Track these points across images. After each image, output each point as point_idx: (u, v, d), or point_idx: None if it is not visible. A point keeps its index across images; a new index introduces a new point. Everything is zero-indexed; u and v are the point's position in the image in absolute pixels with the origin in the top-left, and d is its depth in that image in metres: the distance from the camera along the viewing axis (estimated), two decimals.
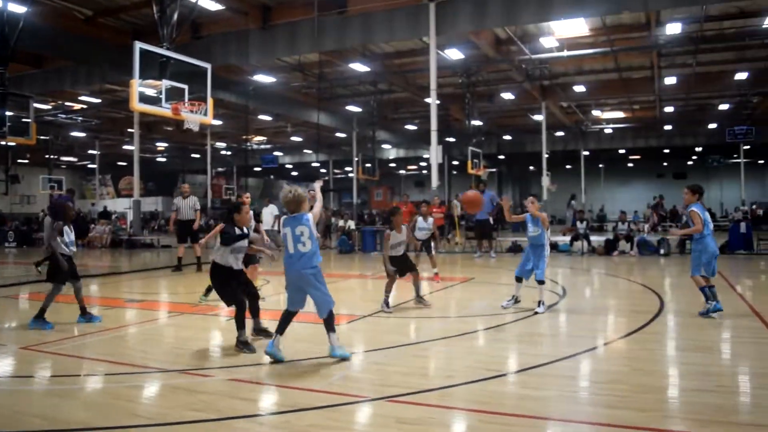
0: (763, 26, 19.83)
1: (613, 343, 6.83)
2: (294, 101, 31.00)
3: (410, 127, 39.32)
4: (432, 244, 12.51)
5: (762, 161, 49.97)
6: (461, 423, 4.43)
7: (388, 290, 8.96)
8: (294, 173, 64.05)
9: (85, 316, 8.29)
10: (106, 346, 6.95)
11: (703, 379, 5.23)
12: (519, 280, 9.06)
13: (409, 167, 60.14)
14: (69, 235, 8.14)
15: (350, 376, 5.58)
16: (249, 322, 6.93)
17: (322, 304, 5.98)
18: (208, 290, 9.41)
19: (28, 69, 24.17)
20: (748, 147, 38.65)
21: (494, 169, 45.64)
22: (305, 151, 50.89)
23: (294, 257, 5.97)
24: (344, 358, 6.00)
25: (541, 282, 8.73)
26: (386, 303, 8.88)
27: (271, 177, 63.25)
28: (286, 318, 6.10)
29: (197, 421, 4.41)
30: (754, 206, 39.41)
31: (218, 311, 9.12)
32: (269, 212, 19.11)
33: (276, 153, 48.17)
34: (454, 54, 22.11)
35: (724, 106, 33.39)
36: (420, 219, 12.40)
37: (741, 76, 25.47)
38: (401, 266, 9.07)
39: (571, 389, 5.07)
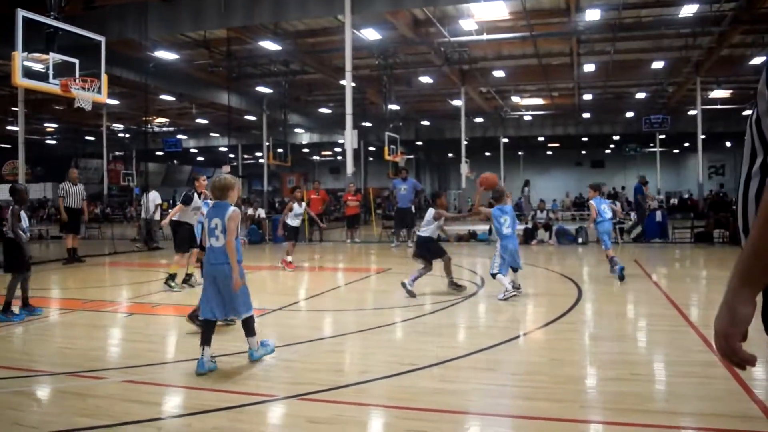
0: (679, 15, 20.81)
1: (531, 334, 7.01)
2: (199, 80, 30.18)
3: (324, 110, 39.11)
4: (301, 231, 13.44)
5: (677, 150, 52.62)
6: (377, 420, 4.42)
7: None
8: (199, 158, 62.52)
9: (27, 308, 8.26)
10: None
11: (620, 368, 5.43)
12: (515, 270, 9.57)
13: (324, 153, 59.88)
14: (25, 220, 8.34)
15: (259, 374, 5.49)
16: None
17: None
18: (171, 277, 10.31)
19: None
20: (663, 136, 40.65)
21: (412, 156, 46.05)
22: (212, 134, 49.79)
23: (209, 251, 5.73)
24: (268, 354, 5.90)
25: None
26: None
27: (175, 162, 61.59)
28: (209, 327, 5.70)
29: (88, 428, 4.21)
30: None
31: (113, 307, 8.79)
32: (151, 200, 18.99)
33: (180, 136, 46.83)
34: (370, 34, 22.08)
35: (641, 95, 34.89)
36: (295, 205, 13.25)
37: (657, 65, 26.64)
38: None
39: (488, 382, 5.16)
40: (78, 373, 5.52)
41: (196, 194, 10.64)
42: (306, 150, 56.40)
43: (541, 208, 20.70)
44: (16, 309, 8.16)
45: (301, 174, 56.04)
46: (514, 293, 8.96)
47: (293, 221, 13.41)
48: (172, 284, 10.37)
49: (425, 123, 44.72)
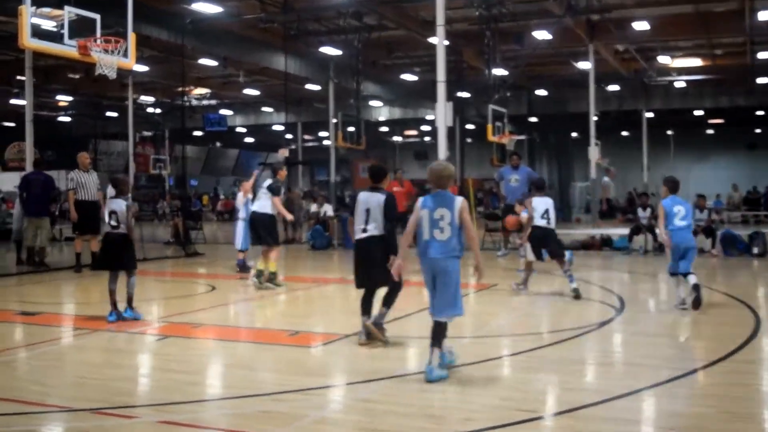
0: None
1: (690, 375, 6.81)
2: (248, 40, 30.75)
3: (408, 77, 39.14)
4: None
5: None
6: None
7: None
8: (248, 139, 63.86)
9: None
10: None
11: None
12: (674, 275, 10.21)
13: (407, 133, 60.04)
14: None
15: (327, 417, 5.53)
16: None
17: (443, 306, 6.65)
18: (260, 273, 12.33)
19: None
20: None
21: (523, 137, 45.55)
22: (264, 109, 50.67)
23: (429, 245, 6.66)
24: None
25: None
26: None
27: (217, 144, 62.99)
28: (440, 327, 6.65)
29: None
30: None
31: (142, 328, 9.04)
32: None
33: (224, 111, 47.84)
34: None
35: None
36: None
37: None
38: None
39: None
40: (102, 410, 5.68)
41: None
42: (384, 129, 56.66)
43: (701, 207, 20.05)
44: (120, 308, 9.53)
45: (378, 160, 56.40)
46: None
47: None
48: (278, 283, 12.76)
49: (541, 93, 44.18)
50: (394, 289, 7.81)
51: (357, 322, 7.93)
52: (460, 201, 6.67)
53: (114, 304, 9.44)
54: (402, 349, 7.88)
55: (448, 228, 6.59)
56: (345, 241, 21.19)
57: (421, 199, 6.83)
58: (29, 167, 24.85)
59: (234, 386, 6.39)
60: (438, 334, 6.57)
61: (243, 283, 13.49)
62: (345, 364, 7.32)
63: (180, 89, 36.83)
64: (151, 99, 45.36)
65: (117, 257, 9.56)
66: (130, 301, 9.58)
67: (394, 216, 7.82)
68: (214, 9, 25.07)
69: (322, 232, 21.70)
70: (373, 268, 7.72)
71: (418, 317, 8.88)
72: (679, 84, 41.84)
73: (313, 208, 23.25)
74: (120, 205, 9.54)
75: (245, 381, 6.50)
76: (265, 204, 12.84)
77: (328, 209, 23.15)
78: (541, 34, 28.74)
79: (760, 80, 40.31)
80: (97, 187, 15.72)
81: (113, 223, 9.46)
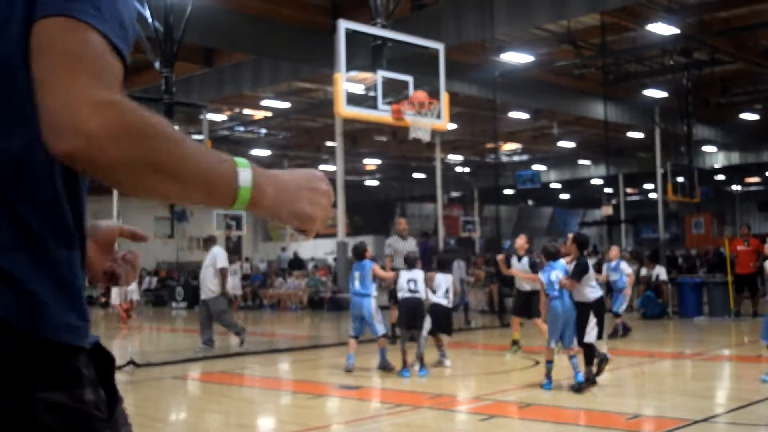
0: None
1: None
2: (562, 89, 31.01)
3: (748, 116, 37.46)
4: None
5: None
6: None
7: None
8: (563, 195, 63.85)
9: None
10: None
11: None
12: None
13: (748, 180, 57.16)
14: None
15: None
16: None
17: None
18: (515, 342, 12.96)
19: (197, 68, 26.82)
20: None
21: None
22: (580, 162, 50.52)
23: None
24: None
25: None
26: None
27: (530, 203, 63.53)
28: None
29: None
30: None
31: (462, 405, 9.26)
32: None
33: (536, 167, 48.24)
34: None
35: None
36: (514, 259, 13.94)
37: None
38: None
39: None
40: None
41: (514, 257, 13.67)
42: (720, 177, 54.35)
43: None
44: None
45: (713, 214, 53.95)
46: None
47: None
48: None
49: None
50: None
51: (704, 405, 7.62)
52: None
53: (405, 362, 10.97)
54: None
55: None
56: (683, 309, 20.48)
57: None
58: (341, 234, 26.56)
59: None
60: None
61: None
62: None
63: (490, 146, 37.72)
64: (459, 158, 46.83)
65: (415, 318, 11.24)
66: (420, 359, 11.12)
67: None
68: (526, 59, 25.61)
69: (654, 299, 21.09)
70: None
71: None
72: None
73: (643, 271, 22.65)
74: (420, 274, 11.31)
75: None
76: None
77: (661, 272, 22.42)
78: None
79: None
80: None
81: (411, 287, 11.06)
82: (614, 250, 17.26)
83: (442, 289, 11.46)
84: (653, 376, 12.06)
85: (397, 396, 10.09)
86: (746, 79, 31.05)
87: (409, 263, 11.83)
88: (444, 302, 11.48)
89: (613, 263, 16.43)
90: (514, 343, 13.51)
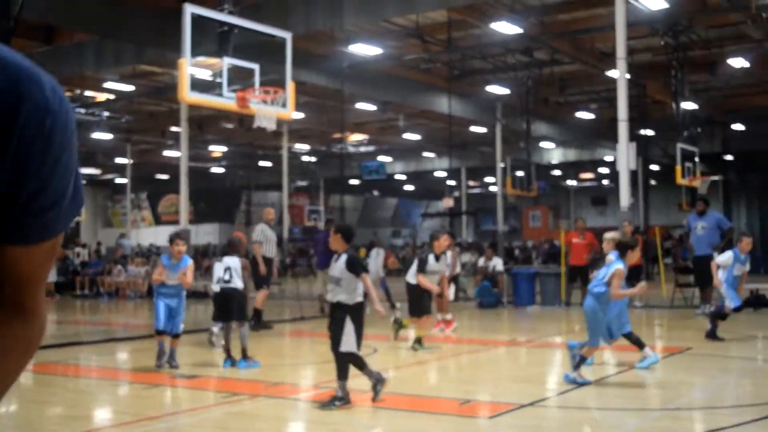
0: None
1: None
2: (409, 82, 31.33)
3: (584, 115, 38.77)
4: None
5: None
6: None
7: None
8: (408, 186, 64.67)
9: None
10: None
11: None
12: None
13: (583, 176, 59.29)
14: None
15: None
16: None
17: None
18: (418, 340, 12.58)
19: (36, 46, 25.74)
20: None
21: (717, 177, 44.15)
22: (425, 154, 51.17)
23: None
24: None
25: None
26: None
27: (375, 193, 64.00)
28: None
29: None
30: None
31: (295, 394, 9.32)
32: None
33: (382, 158, 48.57)
34: (652, 2, 21.68)
35: None
36: (431, 257, 13.25)
37: None
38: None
39: None
40: None
41: (432, 256, 12.92)
42: (557, 172, 56.21)
43: None
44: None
45: (549, 208, 55.81)
46: None
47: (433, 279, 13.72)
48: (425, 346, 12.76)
49: (737, 128, 42.73)
50: None
51: (533, 390, 7.89)
52: None
53: (227, 351, 10.97)
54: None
55: None
56: (516, 298, 21.12)
57: None
58: (183, 221, 26.21)
59: None
60: None
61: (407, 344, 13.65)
62: None
63: (337, 136, 37.78)
64: (306, 147, 46.71)
65: (230, 310, 11.03)
66: (244, 352, 10.94)
67: None
68: (374, 51, 25.75)
69: (490, 289, 21.61)
70: None
71: None
72: None
73: (481, 262, 23.20)
74: (235, 261, 11.15)
75: None
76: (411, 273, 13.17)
77: (498, 263, 23.00)
78: (737, 62, 27.97)
79: None
80: (276, 244, 16.49)
81: (226, 277, 10.96)
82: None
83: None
84: (488, 363, 12.45)
85: (235, 385, 10.08)
86: (583, 79, 32.13)
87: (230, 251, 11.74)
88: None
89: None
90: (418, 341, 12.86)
